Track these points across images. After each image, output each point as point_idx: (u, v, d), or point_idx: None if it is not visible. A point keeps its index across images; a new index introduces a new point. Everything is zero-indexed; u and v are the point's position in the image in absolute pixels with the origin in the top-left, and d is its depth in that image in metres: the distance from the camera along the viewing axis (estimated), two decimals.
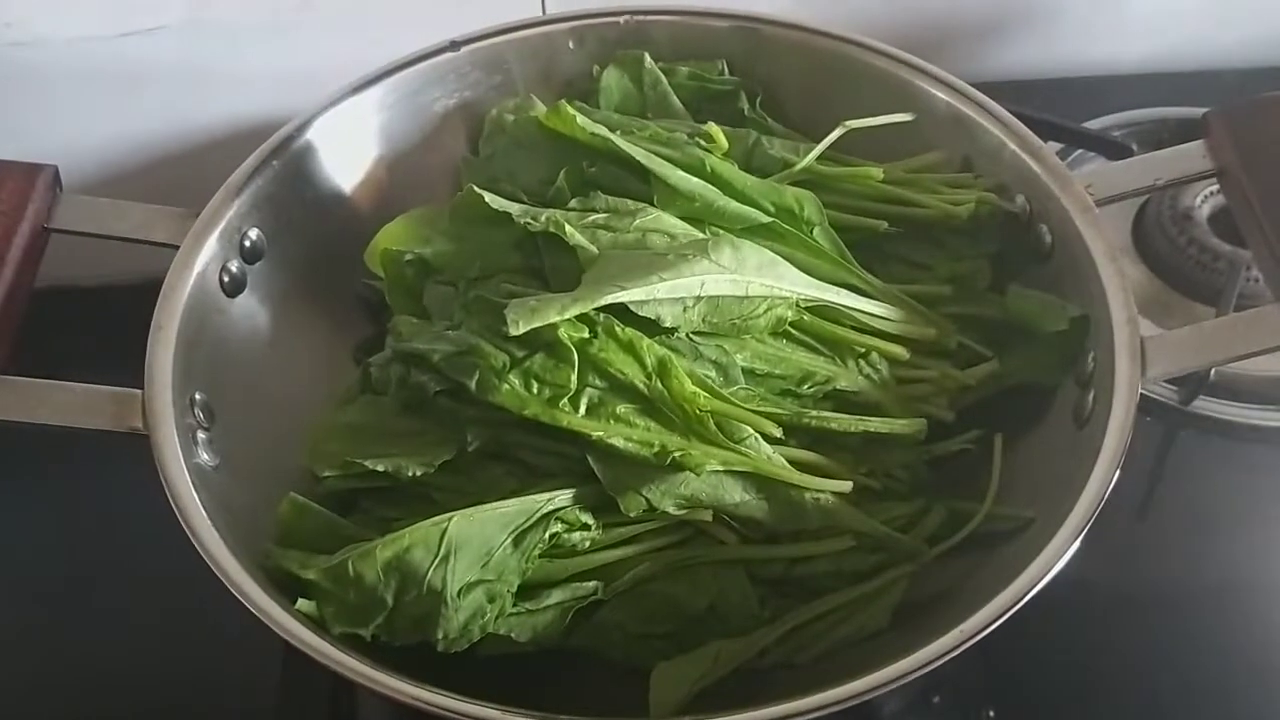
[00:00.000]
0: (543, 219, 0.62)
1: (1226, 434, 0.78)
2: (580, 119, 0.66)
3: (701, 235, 0.63)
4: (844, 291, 0.65)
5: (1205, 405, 0.78)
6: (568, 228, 0.61)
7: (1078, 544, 0.55)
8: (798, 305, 0.63)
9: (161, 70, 0.82)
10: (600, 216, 0.63)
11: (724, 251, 0.61)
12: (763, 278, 0.61)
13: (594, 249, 0.61)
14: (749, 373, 0.62)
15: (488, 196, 0.64)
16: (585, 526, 0.59)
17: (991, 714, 0.67)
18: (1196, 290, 0.84)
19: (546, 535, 0.58)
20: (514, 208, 0.64)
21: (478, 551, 0.57)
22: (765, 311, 0.62)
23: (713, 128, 0.69)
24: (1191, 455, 0.78)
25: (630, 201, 0.64)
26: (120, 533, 0.74)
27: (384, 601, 0.56)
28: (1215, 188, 0.85)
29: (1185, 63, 0.97)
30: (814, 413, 0.63)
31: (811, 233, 0.66)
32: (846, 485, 0.59)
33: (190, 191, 0.68)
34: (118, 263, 0.73)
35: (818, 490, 0.60)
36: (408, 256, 0.67)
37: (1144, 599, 0.72)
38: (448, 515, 0.57)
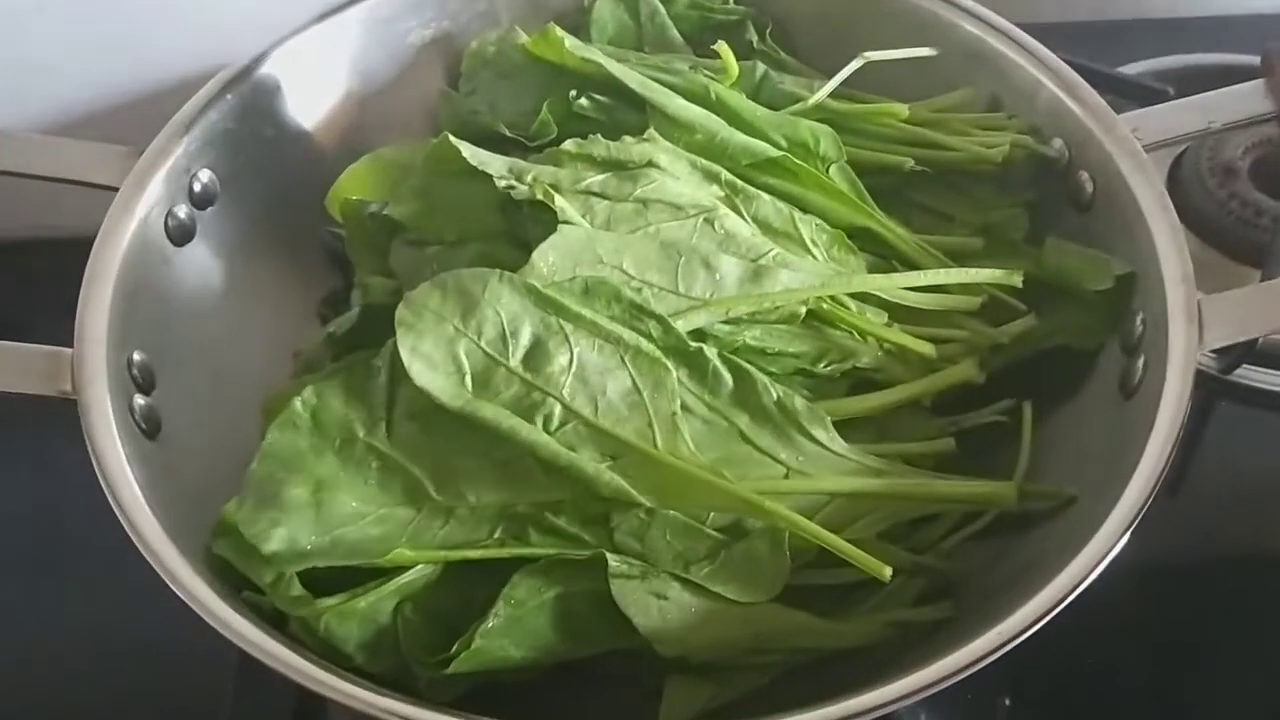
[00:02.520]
0: (529, 180, 0.57)
1: (1270, 405, 0.74)
2: (570, 41, 0.62)
3: (707, 202, 0.58)
4: (868, 277, 0.60)
5: (1248, 374, 0.74)
6: (558, 199, 0.56)
7: (1129, 533, 0.51)
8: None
9: (116, 3, 0.77)
10: (595, 180, 0.58)
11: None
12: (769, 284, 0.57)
13: (586, 225, 0.56)
14: (758, 351, 0.57)
15: (465, 149, 0.58)
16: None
17: (1007, 702, 0.64)
18: (1237, 249, 0.79)
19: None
20: (495, 164, 0.58)
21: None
22: (777, 309, 0.57)
23: (721, 47, 0.64)
24: (1232, 427, 0.74)
25: (633, 146, 0.59)
26: (53, 513, 0.70)
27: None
28: (1259, 138, 0.81)
29: (1225, 6, 0.93)
30: (829, 404, 0.57)
31: (828, 170, 0.62)
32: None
33: (147, 136, 0.64)
34: (62, 213, 0.67)
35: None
36: (371, 209, 0.62)
37: (1176, 579, 0.69)
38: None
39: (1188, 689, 0.65)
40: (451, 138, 0.59)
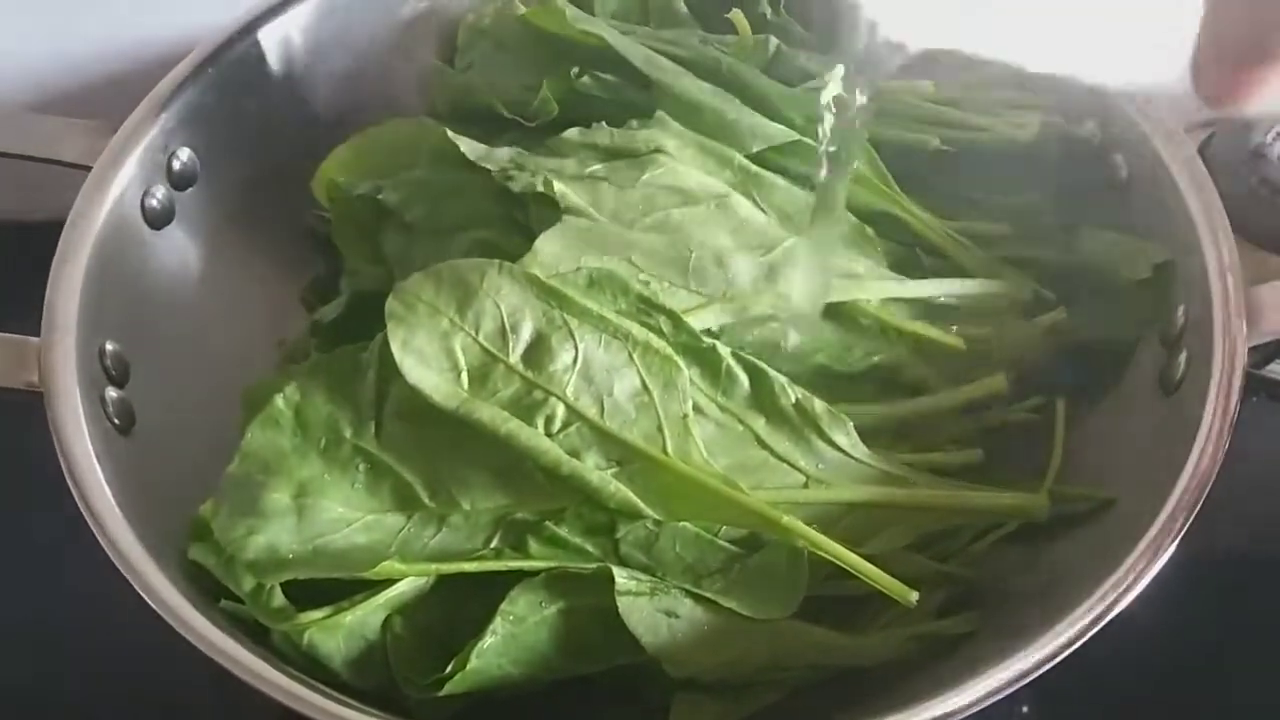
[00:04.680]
0: (529, 170, 0.54)
1: None
2: (571, 12, 0.60)
3: (721, 187, 0.55)
4: (885, 282, 0.57)
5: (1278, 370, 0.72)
6: (557, 185, 0.54)
7: (1176, 541, 0.50)
8: None
9: None
10: (599, 168, 0.55)
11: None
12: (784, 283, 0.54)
13: (593, 212, 0.53)
14: (776, 346, 0.54)
15: (464, 145, 0.56)
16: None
17: (1025, 710, 0.62)
18: (1266, 237, 0.76)
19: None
20: (496, 156, 0.56)
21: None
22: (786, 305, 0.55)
23: (736, 15, 0.62)
24: (1264, 423, 0.72)
25: (640, 133, 0.57)
26: (19, 512, 0.67)
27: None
28: None
29: None
30: (851, 408, 0.55)
31: None
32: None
33: (123, 112, 0.62)
34: (31, 195, 0.66)
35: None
36: (359, 191, 0.60)
37: (1204, 579, 0.65)
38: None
39: (1218, 696, 0.63)
40: (451, 134, 0.57)
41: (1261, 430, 0.72)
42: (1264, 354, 0.72)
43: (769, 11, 0.68)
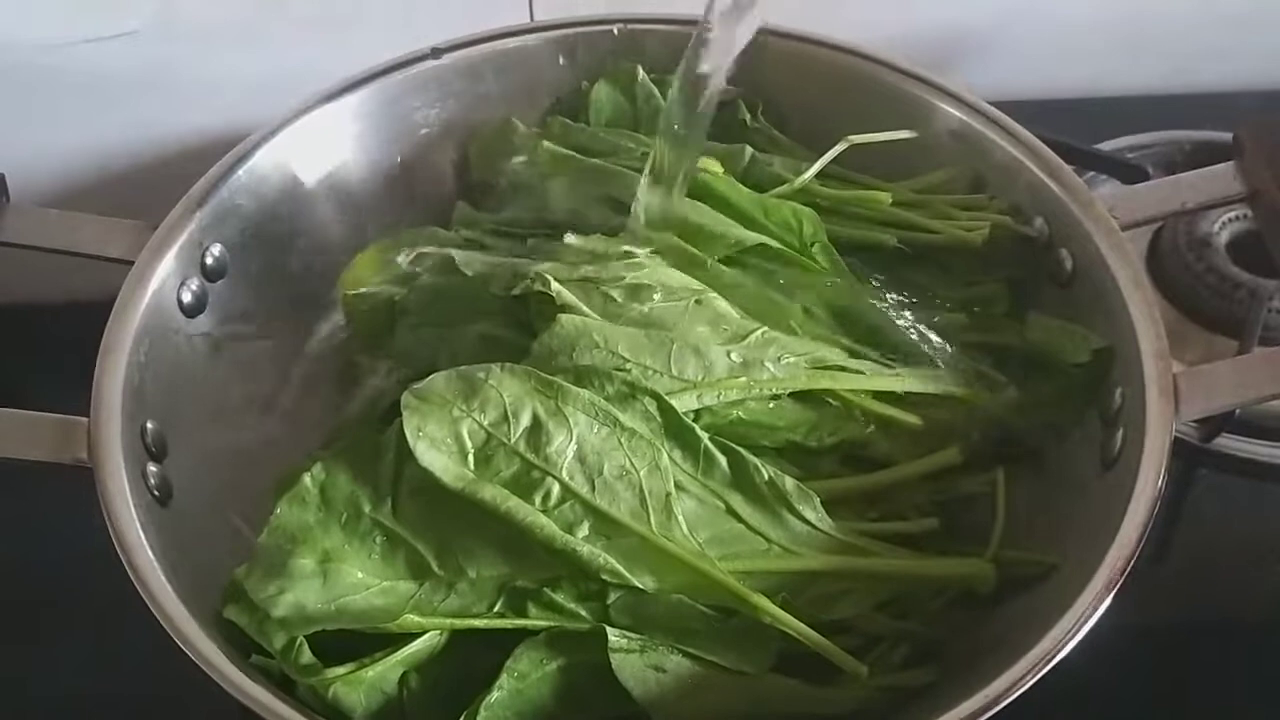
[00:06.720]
0: (531, 275, 0.59)
1: (1249, 473, 0.74)
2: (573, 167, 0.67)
3: (696, 284, 0.60)
4: (848, 374, 0.61)
5: (1227, 443, 0.75)
6: (554, 285, 0.58)
7: (1111, 596, 0.52)
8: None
9: (126, 77, 0.78)
10: (591, 268, 0.60)
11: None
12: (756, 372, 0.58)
13: (585, 309, 0.58)
14: (754, 425, 0.58)
15: (467, 267, 0.61)
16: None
17: None
18: (1214, 321, 0.80)
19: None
20: (498, 274, 0.60)
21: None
22: (759, 391, 0.58)
23: (709, 162, 0.66)
24: (1212, 495, 0.75)
25: (624, 237, 0.61)
26: (61, 574, 0.69)
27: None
28: (1235, 214, 0.83)
29: (1200, 84, 0.95)
30: (819, 484, 0.58)
31: (809, 249, 0.64)
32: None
33: (155, 207, 0.65)
34: (72, 280, 0.69)
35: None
36: (376, 295, 0.65)
37: (1160, 642, 0.69)
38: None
39: None
40: (456, 255, 0.61)
41: (1212, 500, 0.74)
42: (1211, 428, 0.74)
43: (748, 118, 0.72)
